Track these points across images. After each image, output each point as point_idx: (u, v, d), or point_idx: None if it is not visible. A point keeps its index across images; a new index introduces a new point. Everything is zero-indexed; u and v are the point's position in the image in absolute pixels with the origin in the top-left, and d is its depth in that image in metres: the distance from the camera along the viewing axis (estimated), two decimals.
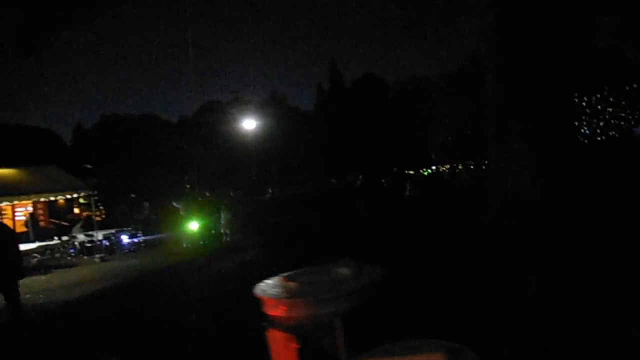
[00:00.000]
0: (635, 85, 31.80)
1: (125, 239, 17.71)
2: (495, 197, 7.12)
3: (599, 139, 33.62)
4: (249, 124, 32.05)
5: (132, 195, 35.14)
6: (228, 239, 15.80)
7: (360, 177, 33.09)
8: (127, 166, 29.35)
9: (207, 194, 20.58)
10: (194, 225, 15.61)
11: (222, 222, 16.04)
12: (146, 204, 21.11)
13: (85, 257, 16.16)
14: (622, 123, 34.10)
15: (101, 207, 27.42)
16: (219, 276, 9.72)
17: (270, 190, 30.20)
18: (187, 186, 36.90)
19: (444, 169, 39.54)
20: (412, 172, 41.12)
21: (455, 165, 40.33)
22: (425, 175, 40.75)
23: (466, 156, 36.56)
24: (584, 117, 34.92)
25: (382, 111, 52.27)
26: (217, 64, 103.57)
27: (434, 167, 43.83)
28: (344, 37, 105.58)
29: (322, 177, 42.64)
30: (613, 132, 33.87)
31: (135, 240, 18.05)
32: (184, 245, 15.47)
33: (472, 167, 35.42)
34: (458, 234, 8.59)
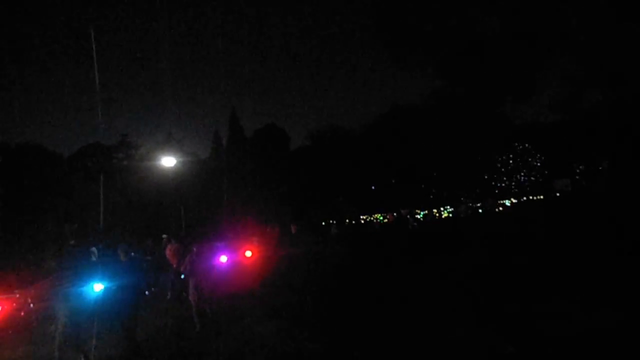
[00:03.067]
0: None
1: None
2: None
3: None
4: (168, 161, 26.20)
5: None
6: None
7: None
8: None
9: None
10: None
11: None
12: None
13: None
14: None
15: None
16: None
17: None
18: (72, 241, 28.68)
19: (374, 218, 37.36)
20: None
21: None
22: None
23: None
24: None
25: (286, 161, 51.22)
26: (104, 105, 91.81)
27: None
28: (246, 86, 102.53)
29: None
30: None
31: None
32: None
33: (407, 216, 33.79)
34: None
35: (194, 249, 8.93)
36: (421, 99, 38.28)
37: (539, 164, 39.66)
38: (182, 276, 9.57)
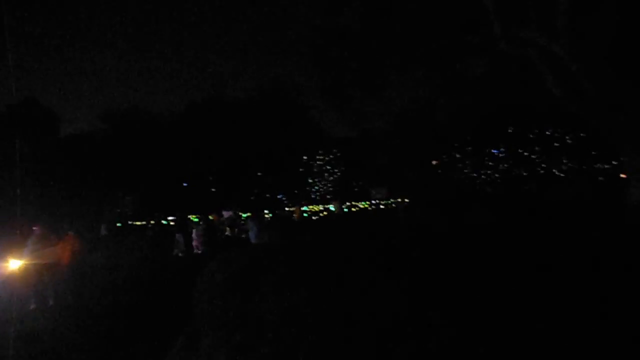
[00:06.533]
0: None
1: None
2: None
3: None
4: None
5: None
6: None
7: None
8: None
9: None
10: None
11: None
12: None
13: None
14: None
15: None
16: None
17: None
18: None
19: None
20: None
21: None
22: None
23: None
24: None
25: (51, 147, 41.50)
26: None
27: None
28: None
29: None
30: None
31: None
32: None
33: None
34: None
35: None
36: (246, 93, 34.75)
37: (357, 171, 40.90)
38: None
